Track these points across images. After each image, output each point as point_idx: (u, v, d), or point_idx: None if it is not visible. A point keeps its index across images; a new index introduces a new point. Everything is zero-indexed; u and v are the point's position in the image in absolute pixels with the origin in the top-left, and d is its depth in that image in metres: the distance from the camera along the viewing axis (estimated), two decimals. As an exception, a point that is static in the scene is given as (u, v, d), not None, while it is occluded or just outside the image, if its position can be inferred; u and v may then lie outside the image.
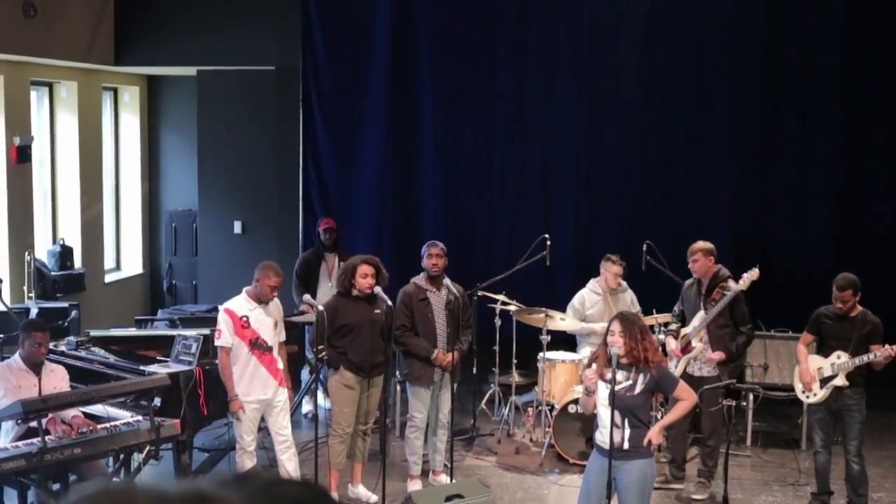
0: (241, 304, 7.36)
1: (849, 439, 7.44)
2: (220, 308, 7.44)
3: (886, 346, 7.24)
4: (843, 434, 7.53)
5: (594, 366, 6.18)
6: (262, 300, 7.33)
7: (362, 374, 7.61)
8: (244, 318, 7.29)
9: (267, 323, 7.36)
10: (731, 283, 7.92)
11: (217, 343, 7.33)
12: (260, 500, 1.06)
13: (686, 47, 11.83)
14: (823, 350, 7.55)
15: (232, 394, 7.30)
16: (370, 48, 12.06)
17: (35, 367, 6.82)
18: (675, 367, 7.81)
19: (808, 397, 7.62)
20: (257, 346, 7.31)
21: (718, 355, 7.85)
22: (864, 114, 11.54)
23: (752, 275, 7.76)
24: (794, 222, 11.80)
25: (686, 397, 6.21)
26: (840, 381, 7.37)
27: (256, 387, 7.35)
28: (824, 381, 7.45)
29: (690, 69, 11.86)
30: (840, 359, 7.38)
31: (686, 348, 8.01)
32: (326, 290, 9.35)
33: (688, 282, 8.30)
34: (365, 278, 7.43)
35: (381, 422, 7.88)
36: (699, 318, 7.97)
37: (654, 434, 6.03)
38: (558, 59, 12.01)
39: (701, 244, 8.07)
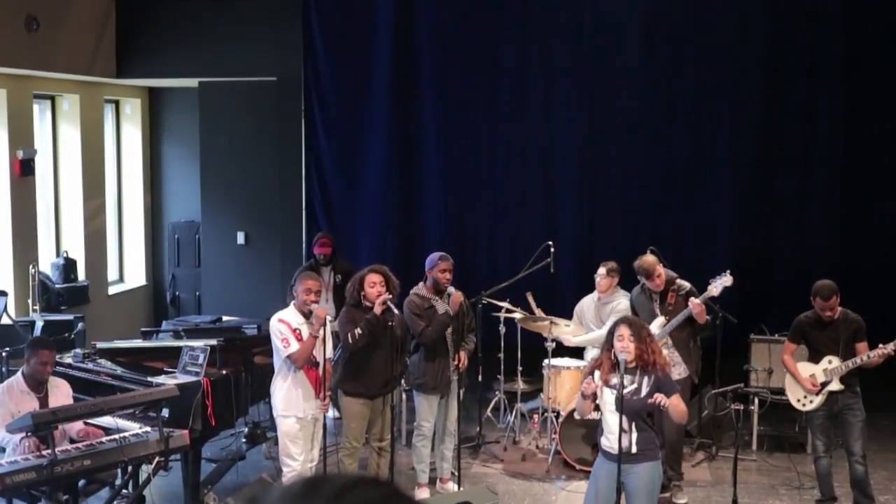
0: (292, 316, 7.18)
1: (852, 440, 7.39)
2: (273, 320, 7.18)
3: (880, 346, 7.24)
4: (844, 436, 7.49)
5: (596, 373, 6.17)
6: (304, 311, 7.16)
7: (372, 389, 7.50)
8: (297, 331, 7.11)
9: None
10: (680, 282, 7.98)
11: (287, 353, 7.05)
12: None
13: (686, 54, 11.87)
14: (812, 356, 7.53)
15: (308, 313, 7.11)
16: (372, 57, 12.10)
17: (37, 385, 6.79)
18: None
19: (804, 406, 7.57)
20: (307, 360, 7.16)
21: (700, 307, 7.75)
22: (866, 115, 11.57)
23: (724, 280, 7.72)
24: (797, 226, 11.83)
25: (677, 404, 6.12)
26: (835, 385, 7.37)
27: (307, 403, 7.18)
28: (819, 388, 7.43)
29: (691, 75, 11.91)
30: (832, 363, 7.37)
31: None
32: (322, 304, 9.35)
33: (636, 290, 8.30)
34: (373, 287, 7.37)
35: (391, 431, 7.87)
36: (659, 326, 7.87)
37: (665, 399, 5.93)
38: (560, 67, 12.05)
39: (654, 259, 8.05)
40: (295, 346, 7.08)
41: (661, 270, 8.02)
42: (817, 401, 7.45)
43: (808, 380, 7.46)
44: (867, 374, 7.49)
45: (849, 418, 7.40)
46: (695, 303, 7.77)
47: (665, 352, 7.75)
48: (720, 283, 7.75)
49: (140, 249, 13.81)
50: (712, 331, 8.37)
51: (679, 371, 7.90)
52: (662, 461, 8.02)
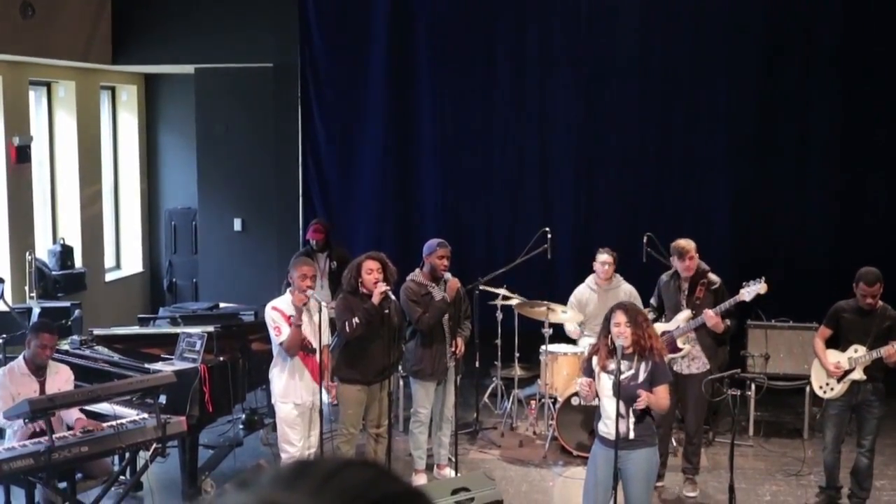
0: (287, 303, 7.18)
1: (864, 433, 7.37)
2: (267, 307, 7.20)
3: (891, 344, 7.14)
4: (858, 427, 7.46)
5: (594, 362, 6.18)
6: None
7: (368, 375, 7.52)
8: (291, 318, 7.11)
9: (310, 325, 7.17)
10: (712, 277, 7.83)
11: (280, 340, 7.10)
12: (325, 498, 1.04)
13: (684, 42, 11.85)
14: (840, 344, 7.44)
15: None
16: (368, 43, 12.07)
17: (38, 369, 6.82)
18: None
19: (825, 393, 7.47)
20: (302, 347, 7.15)
21: (714, 319, 7.60)
22: (863, 106, 11.56)
23: (758, 287, 7.46)
24: (794, 213, 11.83)
25: (664, 397, 6.12)
26: (858, 374, 7.28)
27: (303, 390, 7.19)
28: (842, 376, 7.34)
29: (688, 64, 11.88)
30: (857, 352, 7.28)
31: (672, 349, 7.70)
32: (318, 290, 9.35)
33: (665, 276, 8.07)
34: (370, 274, 7.34)
35: (388, 418, 7.87)
36: (684, 319, 7.75)
37: (647, 396, 5.95)
38: (556, 53, 12.03)
39: (692, 242, 7.82)
40: (286, 334, 7.10)
41: (696, 255, 7.78)
42: (838, 388, 7.36)
43: (831, 363, 7.37)
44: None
45: (865, 413, 7.36)
46: (709, 314, 7.58)
47: (688, 346, 7.75)
48: (753, 290, 7.50)
49: (137, 236, 13.80)
50: (736, 329, 8.17)
51: (698, 366, 7.78)
52: (684, 455, 8.10)
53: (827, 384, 7.44)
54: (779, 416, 9.65)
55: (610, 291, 8.86)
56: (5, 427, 6.63)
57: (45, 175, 12.07)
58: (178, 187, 13.65)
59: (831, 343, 7.53)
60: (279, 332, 7.12)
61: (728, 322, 7.73)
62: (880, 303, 7.30)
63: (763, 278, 7.55)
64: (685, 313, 7.78)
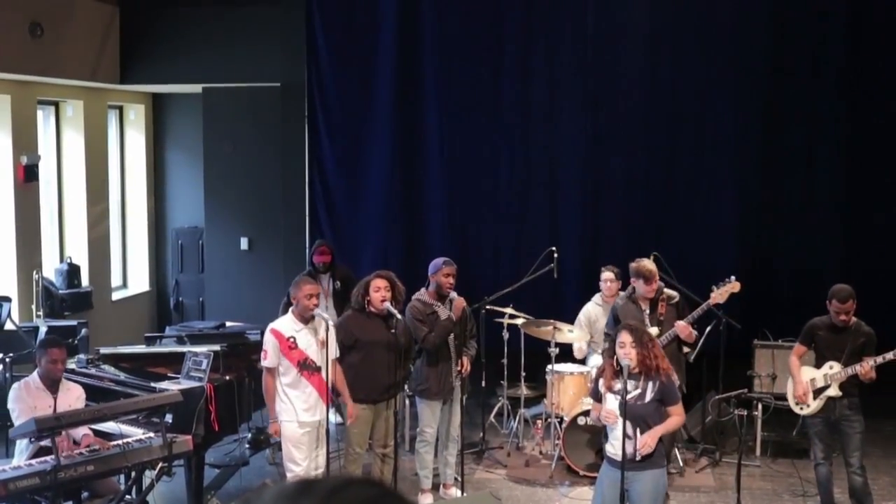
0: (287, 324, 7.19)
1: (850, 451, 7.34)
2: (267, 329, 7.23)
3: (864, 361, 7.18)
4: (843, 446, 7.42)
5: (601, 383, 6.18)
6: (305, 317, 7.18)
7: (374, 394, 7.50)
8: (291, 339, 7.11)
9: (314, 343, 7.17)
10: (669, 292, 7.94)
11: (263, 364, 7.18)
12: None
13: (689, 57, 11.88)
14: (817, 361, 7.48)
15: (273, 416, 7.18)
16: (375, 63, 12.11)
17: (52, 385, 6.84)
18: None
19: (801, 409, 7.52)
20: (306, 366, 7.13)
21: (688, 330, 7.77)
22: (868, 117, 11.56)
23: (730, 287, 7.64)
24: (801, 231, 11.81)
25: (679, 414, 6.19)
26: (833, 391, 7.30)
27: (308, 410, 7.17)
28: (817, 393, 7.37)
29: (694, 79, 11.91)
30: (832, 369, 7.31)
31: None
32: (322, 310, 9.33)
33: (620, 300, 8.22)
34: (378, 292, 7.37)
35: (394, 437, 7.86)
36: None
37: (650, 438, 5.99)
38: (563, 71, 12.06)
39: (654, 264, 8.02)
40: (270, 362, 7.14)
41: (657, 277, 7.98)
42: (815, 405, 7.39)
43: (802, 385, 7.41)
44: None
45: (846, 429, 7.34)
46: (680, 325, 7.75)
47: None
48: (726, 291, 7.67)
49: (143, 255, 13.83)
50: (714, 335, 8.30)
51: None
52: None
53: (803, 401, 7.47)
54: (786, 436, 9.61)
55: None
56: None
57: (52, 194, 12.11)
58: (185, 206, 13.69)
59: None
60: (265, 356, 7.16)
61: (695, 332, 7.90)
62: (854, 319, 7.33)
63: (733, 277, 7.68)
64: (652, 331, 7.81)
